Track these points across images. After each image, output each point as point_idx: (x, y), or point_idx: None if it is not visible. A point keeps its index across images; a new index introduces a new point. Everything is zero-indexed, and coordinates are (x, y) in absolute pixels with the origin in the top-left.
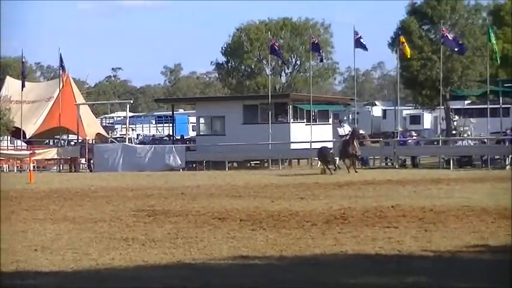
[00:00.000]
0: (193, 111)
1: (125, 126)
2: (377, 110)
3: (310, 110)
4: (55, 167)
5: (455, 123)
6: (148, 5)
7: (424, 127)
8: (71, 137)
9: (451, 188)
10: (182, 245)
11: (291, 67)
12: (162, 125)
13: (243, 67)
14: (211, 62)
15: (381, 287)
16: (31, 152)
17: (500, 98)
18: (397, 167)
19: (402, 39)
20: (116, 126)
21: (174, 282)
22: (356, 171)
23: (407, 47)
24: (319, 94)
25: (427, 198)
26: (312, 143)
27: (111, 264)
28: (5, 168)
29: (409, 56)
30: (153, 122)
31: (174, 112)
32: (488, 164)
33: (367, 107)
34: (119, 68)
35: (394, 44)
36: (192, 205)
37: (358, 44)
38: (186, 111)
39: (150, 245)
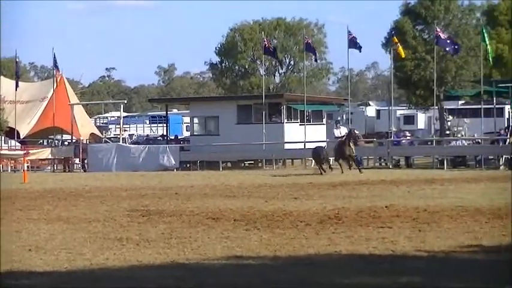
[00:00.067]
0: (187, 111)
1: (119, 126)
2: (371, 110)
3: (304, 110)
4: (49, 167)
5: (449, 123)
6: (142, 5)
7: (418, 127)
8: (65, 137)
9: (445, 188)
10: (176, 245)
11: (284, 67)
12: (156, 125)
13: (237, 67)
14: (205, 62)
15: (374, 287)
16: (25, 152)
17: (494, 98)
18: (391, 167)
19: (395, 39)
20: (110, 126)
21: (168, 282)
22: (361, 172)
23: (401, 48)
24: (313, 94)
25: (421, 199)
26: (306, 143)
27: (105, 264)
28: None
29: (403, 56)
30: (147, 122)
31: (168, 112)
32: (482, 164)
33: (361, 107)
34: (113, 68)
35: (388, 44)
36: (186, 205)
37: (352, 44)
38: (180, 111)
39: (144, 245)
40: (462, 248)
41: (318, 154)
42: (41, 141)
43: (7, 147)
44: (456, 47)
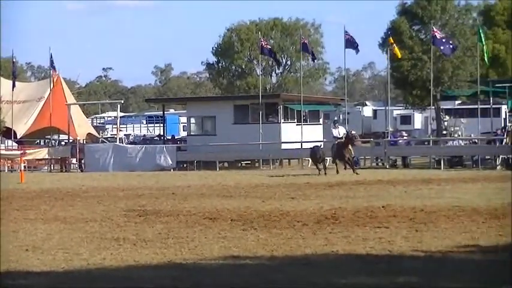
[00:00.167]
0: (184, 111)
1: (115, 126)
2: (367, 110)
3: (300, 110)
4: (46, 167)
5: (445, 123)
6: (140, 5)
7: (415, 127)
8: (62, 137)
9: (441, 188)
10: (173, 245)
11: (281, 67)
12: (152, 125)
13: (233, 67)
14: (201, 62)
15: (371, 287)
16: (22, 152)
17: (491, 98)
18: (387, 167)
19: (391, 40)
20: (107, 126)
21: (165, 282)
22: (357, 173)
23: (396, 48)
24: (310, 94)
25: (417, 199)
26: (303, 143)
27: (102, 264)
28: None
29: (399, 56)
30: (144, 122)
31: (165, 112)
32: (479, 164)
33: (358, 107)
34: (110, 68)
35: (384, 44)
36: (183, 205)
37: (349, 44)
38: (176, 111)
39: (141, 245)
40: (459, 248)
41: (314, 154)
42: (38, 141)
43: (4, 147)
44: (452, 46)
